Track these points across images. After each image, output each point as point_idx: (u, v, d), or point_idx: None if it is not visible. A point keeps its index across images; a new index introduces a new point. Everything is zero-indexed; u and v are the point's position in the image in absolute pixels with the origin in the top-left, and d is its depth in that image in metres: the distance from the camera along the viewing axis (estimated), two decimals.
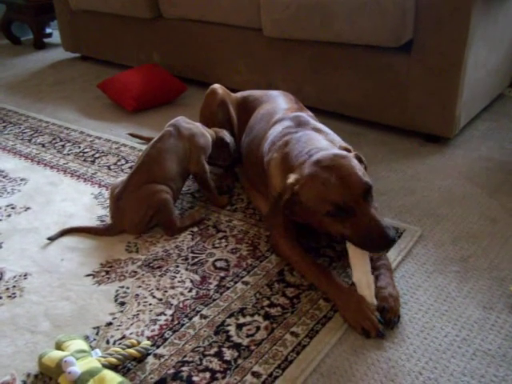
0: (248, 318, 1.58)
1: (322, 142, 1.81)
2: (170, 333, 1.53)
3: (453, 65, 2.46)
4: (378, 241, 1.53)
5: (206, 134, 2.20)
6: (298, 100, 2.34)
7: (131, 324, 1.57)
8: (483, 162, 2.52)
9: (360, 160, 1.70)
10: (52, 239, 1.97)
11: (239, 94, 2.48)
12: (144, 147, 2.66)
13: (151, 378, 1.39)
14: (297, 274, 1.76)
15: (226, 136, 2.29)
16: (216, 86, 2.44)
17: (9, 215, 2.15)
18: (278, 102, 2.25)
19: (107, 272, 1.80)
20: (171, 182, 2.02)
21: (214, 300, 1.66)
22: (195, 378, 1.38)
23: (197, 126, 2.20)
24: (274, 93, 2.39)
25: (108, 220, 2.08)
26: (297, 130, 1.91)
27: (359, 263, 1.60)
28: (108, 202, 2.14)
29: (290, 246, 1.79)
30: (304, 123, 1.97)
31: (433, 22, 2.43)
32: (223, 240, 1.96)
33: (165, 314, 1.60)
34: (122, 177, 2.18)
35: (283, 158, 1.83)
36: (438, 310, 1.61)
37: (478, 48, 2.53)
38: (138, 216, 1.94)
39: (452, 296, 1.66)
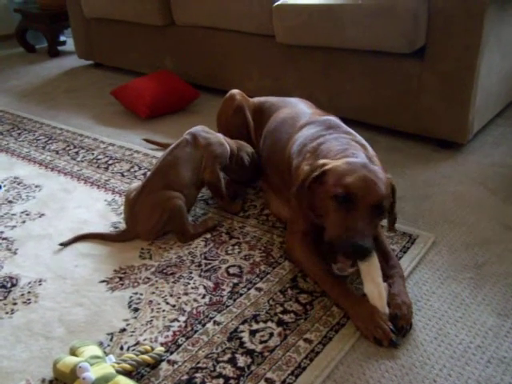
0: (261, 325, 1.58)
1: (362, 154, 1.78)
2: (184, 339, 1.54)
3: (466, 70, 2.45)
4: (342, 244, 1.53)
5: (224, 144, 2.17)
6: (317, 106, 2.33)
7: (145, 330, 1.58)
8: (496, 167, 2.51)
9: (393, 189, 1.68)
10: (64, 245, 1.99)
11: (256, 100, 2.48)
12: (158, 153, 2.69)
13: None
14: (310, 280, 1.76)
15: (245, 157, 2.25)
16: (234, 91, 2.44)
17: (23, 222, 2.17)
18: (300, 107, 2.25)
19: (121, 278, 1.81)
20: (185, 189, 2.03)
21: (228, 306, 1.66)
22: None
23: (216, 136, 2.19)
24: (292, 99, 2.38)
25: (121, 226, 2.09)
26: (330, 132, 1.90)
27: (369, 274, 1.59)
28: (122, 207, 2.15)
29: (305, 252, 1.78)
30: (335, 126, 1.95)
31: (445, 28, 2.43)
32: (236, 246, 1.96)
33: (178, 321, 1.61)
34: (138, 182, 2.20)
35: (317, 155, 1.81)
36: (451, 316, 1.60)
37: (492, 54, 2.52)
38: (151, 221, 1.95)
39: (466, 303, 1.65)
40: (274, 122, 2.26)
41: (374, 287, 1.57)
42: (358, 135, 1.94)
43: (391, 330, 1.49)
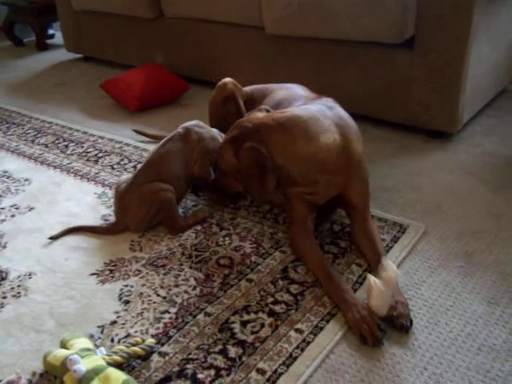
0: (252, 315, 1.58)
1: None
2: (175, 331, 1.53)
3: (455, 61, 2.45)
4: None
5: (217, 139, 2.15)
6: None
7: (135, 322, 1.57)
8: (487, 157, 2.52)
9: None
10: (54, 238, 1.98)
11: (248, 88, 2.46)
12: (148, 146, 2.68)
13: (156, 376, 1.39)
14: (301, 270, 1.76)
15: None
16: (226, 80, 2.41)
17: (13, 215, 2.15)
18: (294, 90, 2.21)
19: (111, 271, 1.80)
20: (176, 182, 2.02)
21: (218, 298, 1.66)
22: (200, 376, 1.38)
23: (209, 131, 2.16)
24: (287, 84, 2.35)
25: (111, 219, 2.08)
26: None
27: (390, 282, 1.49)
28: (112, 199, 2.14)
29: (304, 243, 1.79)
30: (330, 108, 1.88)
31: (434, 18, 2.43)
32: (227, 238, 1.96)
33: (169, 312, 1.60)
34: (128, 174, 2.19)
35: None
36: (442, 305, 1.60)
37: (481, 43, 2.53)
38: (140, 213, 1.95)
39: (456, 291, 1.66)
40: (269, 103, 2.20)
41: (385, 289, 1.48)
42: (346, 117, 1.87)
43: (379, 328, 1.47)
